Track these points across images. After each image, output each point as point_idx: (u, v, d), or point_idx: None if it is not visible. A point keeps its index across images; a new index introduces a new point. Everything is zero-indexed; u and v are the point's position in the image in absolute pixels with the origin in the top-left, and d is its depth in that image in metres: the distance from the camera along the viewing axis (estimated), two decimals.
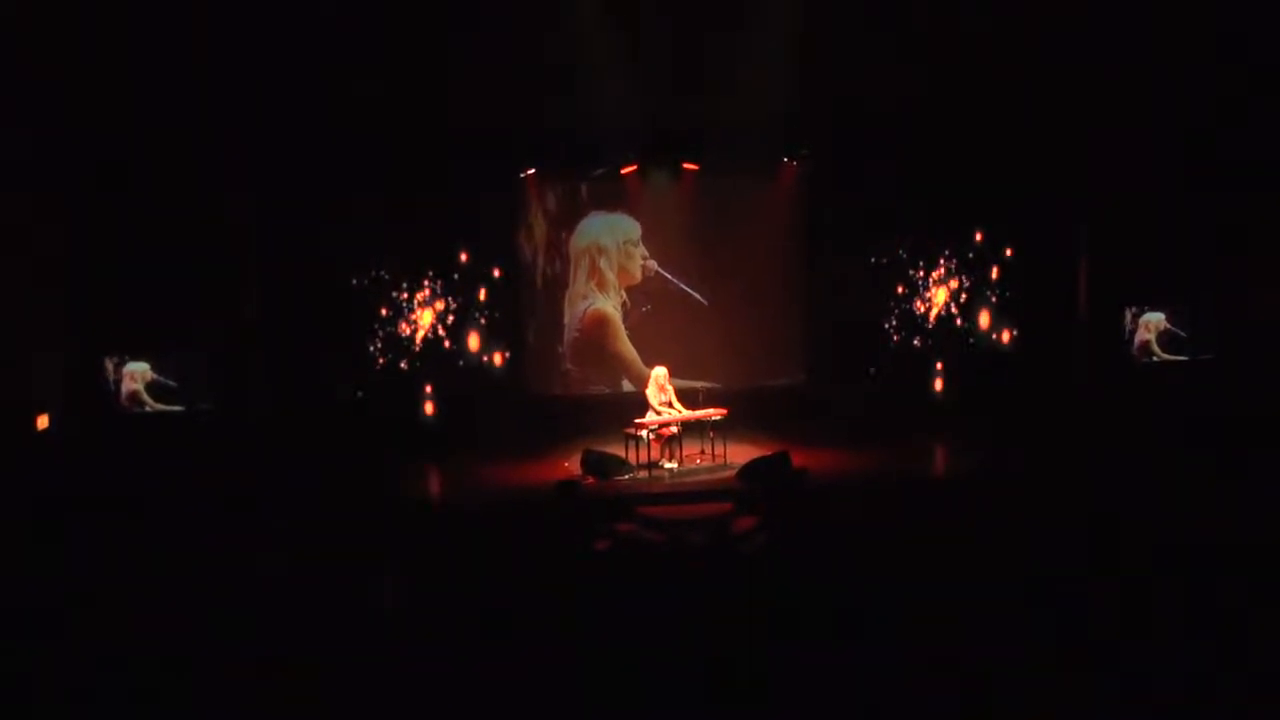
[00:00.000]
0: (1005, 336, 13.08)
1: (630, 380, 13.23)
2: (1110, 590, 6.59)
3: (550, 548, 8.54)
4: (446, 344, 13.13)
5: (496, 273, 13.21)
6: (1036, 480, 9.88)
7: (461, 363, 13.13)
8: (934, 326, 13.36)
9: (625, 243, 13.32)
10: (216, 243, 11.55)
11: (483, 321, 13.20)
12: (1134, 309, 11.86)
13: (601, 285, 13.34)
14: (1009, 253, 13.06)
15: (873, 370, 13.08)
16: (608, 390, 13.39)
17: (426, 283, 13.02)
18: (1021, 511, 8.79)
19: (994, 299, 13.12)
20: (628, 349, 13.37)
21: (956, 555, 7.69)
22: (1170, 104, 11.31)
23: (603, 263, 13.29)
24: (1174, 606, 6.23)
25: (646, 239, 13.37)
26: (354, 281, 12.72)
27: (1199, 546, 7.45)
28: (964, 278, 13.23)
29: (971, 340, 13.20)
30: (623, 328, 13.38)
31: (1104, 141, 11.61)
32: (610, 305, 13.39)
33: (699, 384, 12.72)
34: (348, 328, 12.71)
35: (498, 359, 13.28)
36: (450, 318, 13.12)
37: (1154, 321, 11.74)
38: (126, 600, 7.34)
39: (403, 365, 12.98)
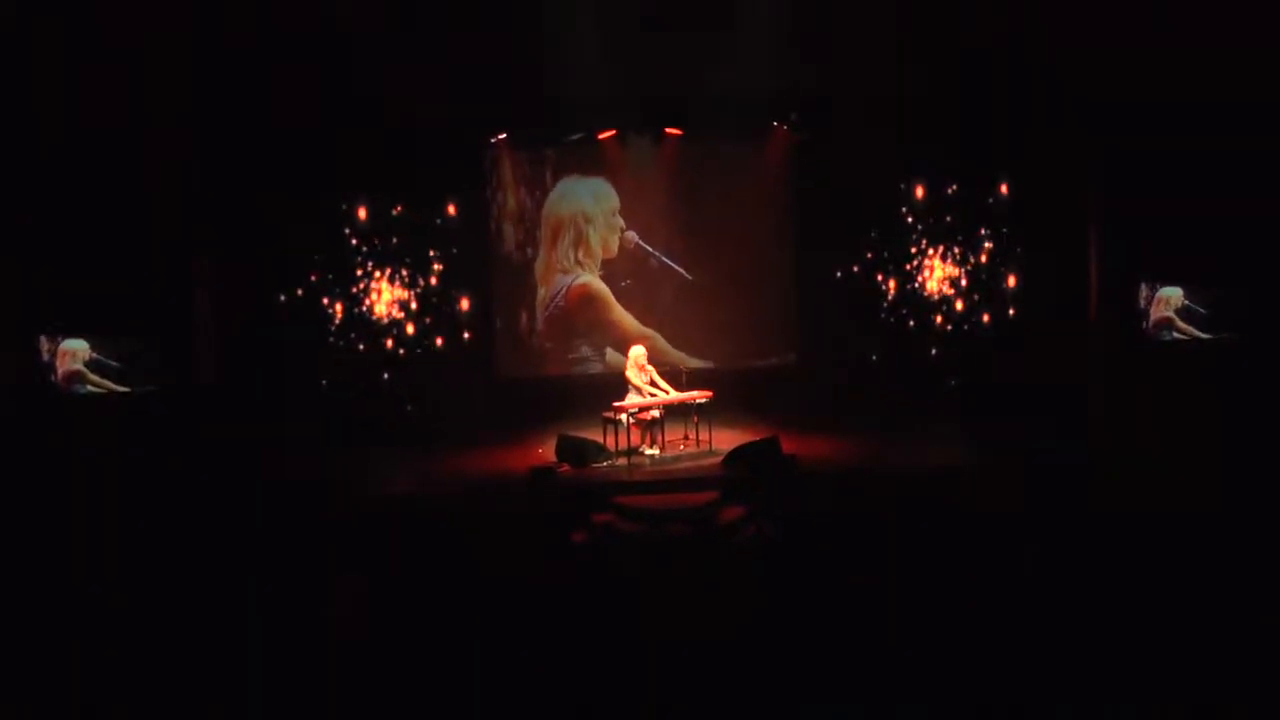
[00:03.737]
0: (1010, 313, 13.11)
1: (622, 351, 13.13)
2: (1116, 587, 6.70)
3: (522, 541, 8.56)
4: (409, 323, 13.12)
5: (464, 245, 13.17)
6: (1042, 469, 9.87)
7: (425, 342, 13.12)
8: (934, 303, 13.38)
9: (602, 213, 13.37)
10: (164, 214, 11.40)
11: (448, 297, 13.18)
12: (1150, 284, 11.70)
13: (578, 258, 13.39)
14: (1015, 225, 13.07)
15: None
16: (598, 366, 13.45)
17: (388, 256, 12.99)
18: (1024, 502, 8.87)
19: (999, 274, 13.14)
20: (623, 317, 13.45)
21: (953, 548, 7.79)
22: (1185, 65, 11.30)
23: (574, 235, 13.34)
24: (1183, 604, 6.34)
25: (626, 209, 13.38)
26: (313, 256, 12.74)
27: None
28: (966, 251, 13.24)
29: (975, 318, 13.23)
30: (613, 297, 13.44)
31: (1117, 105, 11.49)
32: (595, 278, 13.45)
33: (695, 361, 12.93)
34: (304, 304, 12.68)
35: (465, 337, 13.27)
36: (414, 293, 13.12)
37: (1171, 297, 11.64)
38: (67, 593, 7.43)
39: (361, 346, 12.99)
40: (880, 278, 13.38)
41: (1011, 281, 13.13)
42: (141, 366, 11.21)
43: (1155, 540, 7.63)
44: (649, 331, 13.15)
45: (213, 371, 11.74)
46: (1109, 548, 7.60)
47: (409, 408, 12.89)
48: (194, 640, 6.42)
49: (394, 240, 12.98)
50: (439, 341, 13.19)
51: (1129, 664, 5.59)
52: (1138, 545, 7.59)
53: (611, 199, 13.37)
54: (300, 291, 12.72)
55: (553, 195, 13.42)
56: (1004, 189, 13.05)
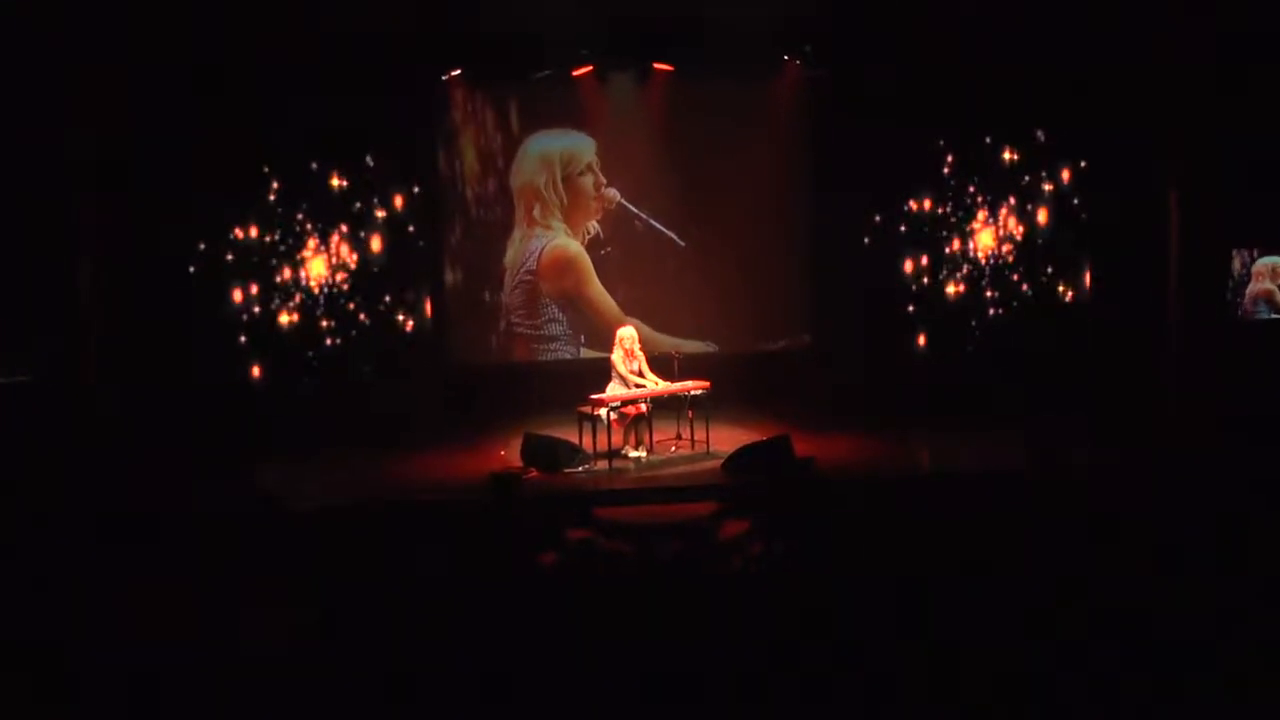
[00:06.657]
0: (1070, 290, 13.16)
1: (600, 338, 13.15)
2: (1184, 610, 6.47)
3: (481, 563, 8.26)
4: (346, 302, 13.09)
5: (408, 205, 13.13)
6: (1108, 474, 9.74)
7: (366, 324, 13.15)
8: (977, 276, 13.41)
9: (574, 172, 13.37)
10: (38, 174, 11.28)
11: (393, 270, 13.18)
12: (1246, 252, 11.77)
13: (548, 226, 13.42)
14: (1077, 179, 13.06)
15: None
16: (571, 351, 13.50)
17: (318, 221, 12.93)
18: (1085, 513, 8.58)
19: (1056, 240, 13.15)
20: (603, 294, 13.48)
21: (997, 567, 7.47)
22: None
23: (540, 203, 13.38)
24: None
25: (605, 161, 13.32)
26: (222, 219, 12.63)
27: None
28: (1016, 212, 13.28)
29: (1027, 293, 13.31)
30: (592, 268, 13.47)
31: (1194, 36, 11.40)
32: (573, 241, 13.43)
33: (691, 344, 12.94)
34: (213, 281, 12.62)
35: (413, 318, 13.27)
36: (349, 266, 13.08)
37: (1273, 266, 11.76)
38: None
39: (287, 328, 12.96)
40: (913, 244, 13.35)
41: (1073, 248, 13.11)
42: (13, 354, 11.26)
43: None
44: (633, 318, 12.97)
45: (98, 360, 11.70)
46: (1184, 570, 7.35)
47: (345, 401, 12.76)
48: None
49: (326, 202, 12.91)
50: (382, 323, 13.19)
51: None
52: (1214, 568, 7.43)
53: (585, 152, 13.33)
54: (207, 246, 12.61)
55: (519, 156, 13.40)
56: (1065, 137, 12.96)
